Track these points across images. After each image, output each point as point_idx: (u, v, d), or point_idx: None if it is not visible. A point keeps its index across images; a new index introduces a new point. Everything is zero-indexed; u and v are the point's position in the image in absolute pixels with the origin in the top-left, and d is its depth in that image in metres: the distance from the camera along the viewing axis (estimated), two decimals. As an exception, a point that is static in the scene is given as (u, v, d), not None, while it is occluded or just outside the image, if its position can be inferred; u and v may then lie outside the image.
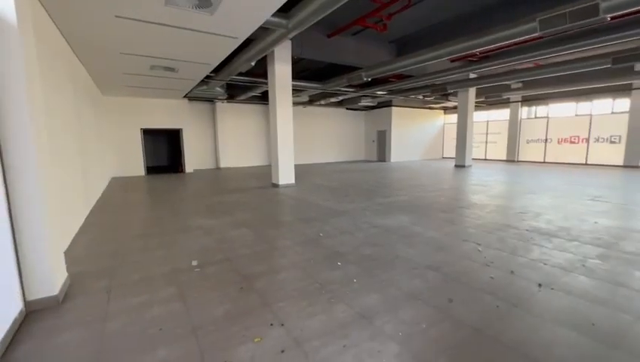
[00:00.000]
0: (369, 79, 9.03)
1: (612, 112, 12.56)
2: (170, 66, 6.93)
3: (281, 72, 7.84)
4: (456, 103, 14.51)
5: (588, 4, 4.43)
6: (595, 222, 4.45)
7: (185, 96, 11.91)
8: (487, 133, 17.19)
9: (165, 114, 12.02)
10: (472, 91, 13.03)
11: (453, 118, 18.09)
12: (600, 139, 12.94)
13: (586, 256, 3.19)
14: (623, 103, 12.17)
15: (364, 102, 15.65)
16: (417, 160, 17.97)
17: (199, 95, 11.65)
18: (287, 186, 8.22)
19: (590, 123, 13.21)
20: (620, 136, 12.32)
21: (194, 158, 13.28)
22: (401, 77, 11.93)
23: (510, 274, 2.79)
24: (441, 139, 19.49)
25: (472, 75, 11.89)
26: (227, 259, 3.25)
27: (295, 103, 14.98)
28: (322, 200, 6.35)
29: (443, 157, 19.29)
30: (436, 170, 12.13)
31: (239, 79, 10.01)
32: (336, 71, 11.29)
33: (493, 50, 9.54)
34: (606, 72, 11.00)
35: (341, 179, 9.81)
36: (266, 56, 8.05)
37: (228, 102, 13.89)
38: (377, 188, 7.86)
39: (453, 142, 13.91)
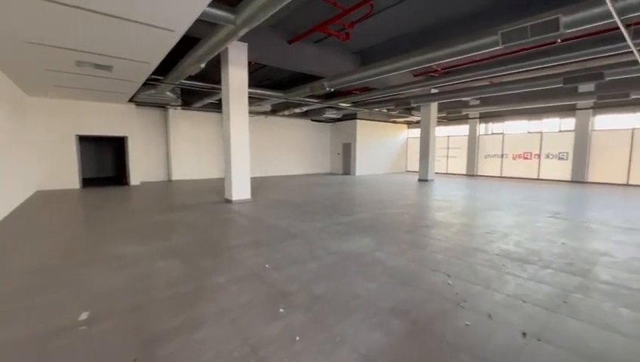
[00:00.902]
0: (332, 89, 8.64)
1: (560, 131, 13.33)
2: (101, 63, 5.97)
3: (236, 77, 7.16)
4: (419, 118, 14.67)
5: (549, 18, 4.32)
6: (563, 243, 4.23)
7: (131, 101, 10.73)
8: (448, 148, 17.62)
9: (107, 119, 10.70)
10: (434, 106, 13.21)
11: (416, 132, 18.38)
12: (550, 156, 13.64)
13: (565, 289, 2.82)
14: (569, 122, 12.96)
15: (329, 114, 15.34)
16: (382, 173, 17.92)
17: (148, 100, 10.55)
18: (242, 202, 7.42)
19: (541, 140, 13.92)
20: (567, 153, 13.06)
21: (141, 169, 11.96)
22: (365, 89, 11.76)
23: (488, 319, 2.31)
24: (405, 153, 19.71)
25: (433, 90, 12.04)
26: (135, 308, 2.45)
27: (257, 113, 14.28)
28: (278, 219, 5.67)
29: (407, 171, 19.47)
30: (400, 185, 11.96)
31: (193, 84, 9.16)
32: (299, 80, 10.83)
33: (453, 67, 9.66)
34: (555, 92, 11.64)
35: (303, 194, 9.20)
36: (220, 59, 7.35)
37: (182, 108, 12.82)
38: (339, 204, 7.34)
39: (417, 156, 13.96)
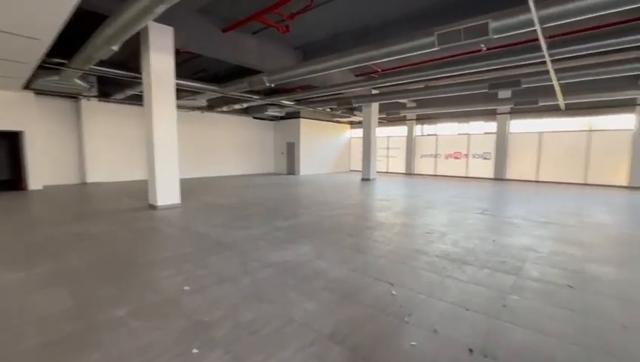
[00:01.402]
0: (272, 85, 8.13)
1: (485, 133, 14.69)
2: (-31, 36, 4.64)
3: (160, 64, 6.26)
4: (361, 118, 14.92)
5: (480, 22, 4.46)
6: (494, 241, 4.40)
7: (28, 88, 8.88)
8: (388, 148, 18.32)
9: (-7, 110, 8.71)
10: (375, 107, 13.51)
11: (359, 132, 18.76)
12: (476, 156, 14.97)
13: (502, 291, 2.80)
14: (492, 126, 14.35)
15: (272, 112, 14.76)
16: (326, 173, 17.91)
17: (52, 88, 8.82)
18: (169, 208, 6.54)
19: (469, 141, 15.20)
20: (490, 153, 14.45)
21: (45, 171, 10.04)
22: (307, 87, 11.48)
23: (434, 335, 2.11)
24: (348, 153, 20.01)
25: (374, 91, 12.27)
26: (-24, 370, 1.73)
27: (191, 107, 13.07)
28: (209, 227, 5.03)
29: (350, 170, 19.79)
30: (344, 184, 11.96)
31: (109, 72, 7.85)
32: (237, 74, 10.10)
33: (392, 69, 9.89)
34: (480, 97, 12.74)
35: (242, 196, 8.54)
36: (140, 44, 6.36)
37: (99, 100, 11.09)
38: (281, 207, 6.91)
39: (360, 156, 14.16)
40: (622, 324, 2.26)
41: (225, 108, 14.03)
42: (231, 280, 2.96)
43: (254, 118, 16.81)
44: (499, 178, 14.09)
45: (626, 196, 9.16)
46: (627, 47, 7.18)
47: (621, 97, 10.27)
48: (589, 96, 9.92)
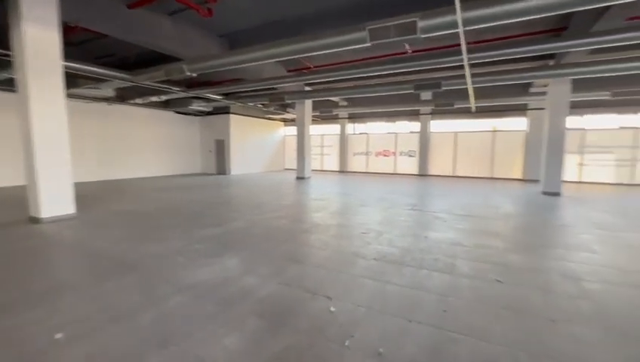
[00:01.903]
0: (194, 75, 7.22)
1: (410, 132, 15.71)
2: None
3: (38, 40, 4.94)
4: (294, 116, 14.60)
5: (409, 20, 4.47)
6: (426, 237, 4.47)
7: None
8: (322, 146, 18.39)
9: None
10: (309, 104, 13.31)
11: (293, 130, 18.43)
12: (403, 153, 15.94)
13: (440, 293, 2.72)
14: (416, 125, 15.41)
15: (197, 106, 13.47)
16: (259, 172, 17.17)
17: None
18: (60, 220, 5.25)
19: (396, 140, 16.09)
20: (415, 151, 15.52)
21: None
22: (236, 80, 10.67)
23: (379, 358, 1.85)
24: (282, 151, 19.54)
25: (307, 88, 12.05)
26: None
27: (94, 98, 11.10)
28: (113, 242, 4.11)
29: (285, 169, 19.37)
30: (278, 184, 11.49)
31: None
32: (153, 60, 8.82)
33: (324, 65, 9.77)
34: (406, 98, 13.53)
35: (161, 201, 7.45)
36: (6, 15, 4.94)
37: (-43, 84, 8.59)
38: (207, 212, 6.15)
39: (295, 154, 13.84)
40: (549, 318, 2.32)
41: (139, 101, 12.29)
42: (128, 316, 2.30)
43: (177, 112, 15.16)
44: (423, 174, 15.23)
45: (521, 188, 10.62)
46: (521, 58, 8.24)
47: (516, 102, 11.90)
48: (493, 100, 11.26)
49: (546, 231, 4.91)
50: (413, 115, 15.23)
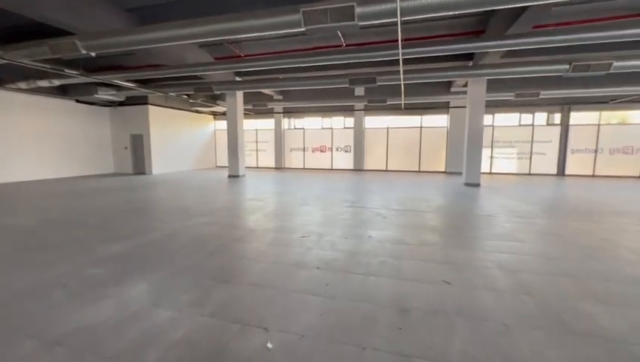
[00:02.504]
0: (93, 54, 5.89)
1: (345, 128, 15.85)
2: None
3: None
4: (225, 109, 13.47)
5: (346, 4, 4.14)
6: (370, 236, 4.26)
7: None
8: (257, 142, 17.50)
9: None
10: (240, 96, 12.35)
11: (224, 124, 17.11)
12: (339, 149, 16.03)
13: (393, 306, 2.43)
14: (350, 121, 15.60)
15: (104, 94, 11.43)
16: (188, 170, 15.56)
17: None
18: None
19: (332, 135, 16.10)
20: (350, 146, 15.73)
21: None
22: (156, 66, 9.25)
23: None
24: (213, 147, 18.05)
25: (237, 78, 11.15)
26: None
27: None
28: (-43, 276, 2.93)
29: (217, 167, 17.95)
30: (208, 183, 10.41)
31: None
32: (34, 33, 7.03)
33: (255, 55, 9.05)
34: (341, 93, 13.53)
35: (52, 211, 5.96)
36: None
37: None
38: (114, 222, 5.04)
39: (227, 150, 12.75)
40: (503, 323, 2.20)
41: (23, 85, 9.90)
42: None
43: (78, 101, 12.70)
44: (358, 169, 15.53)
45: (446, 180, 11.46)
46: (445, 57, 8.73)
47: (440, 100, 12.81)
48: (421, 98, 11.91)
49: (477, 223, 5.15)
50: (348, 111, 15.38)
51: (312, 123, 16.57)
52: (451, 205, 6.69)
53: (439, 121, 14.56)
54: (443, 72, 8.09)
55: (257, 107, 14.45)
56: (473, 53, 8.83)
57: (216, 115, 17.76)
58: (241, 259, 3.49)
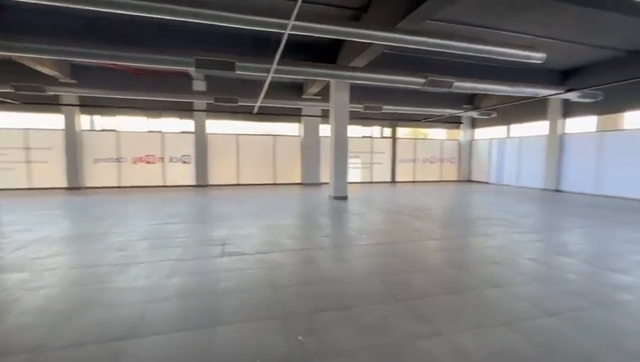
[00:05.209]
0: None
1: (181, 132, 12.36)
2: None
3: None
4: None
5: None
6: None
7: None
8: (28, 148, 11.10)
9: None
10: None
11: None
12: (174, 159, 12.34)
13: None
14: (190, 124, 12.32)
15: None
16: None
17: None
18: None
19: (163, 141, 12.22)
20: (190, 156, 12.39)
21: None
22: None
23: None
24: None
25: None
26: None
27: None
28: None
29: None
30: None
31: None
32: None
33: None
34: (173, 87, 10.27)
35: None
36: None
37: None
38: None
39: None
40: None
41: None
42: None
43: None
44: (202, 184, 12.44)
45: (311, 193, 10.47)
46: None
47: (292, 106, 11.78)
48: (272, 101, 10.46)
49: (379, 258, 3.92)
50: (186, 111, 12.06)
51: (131, 124, 12.09)
52: (340, 231, 5.35)
53: (292, 129, 13.67)
54: (304, 67, 6.84)
55: (25, 91, 8.86)
56: (337, 56, 8.17)
57: None
58: None
